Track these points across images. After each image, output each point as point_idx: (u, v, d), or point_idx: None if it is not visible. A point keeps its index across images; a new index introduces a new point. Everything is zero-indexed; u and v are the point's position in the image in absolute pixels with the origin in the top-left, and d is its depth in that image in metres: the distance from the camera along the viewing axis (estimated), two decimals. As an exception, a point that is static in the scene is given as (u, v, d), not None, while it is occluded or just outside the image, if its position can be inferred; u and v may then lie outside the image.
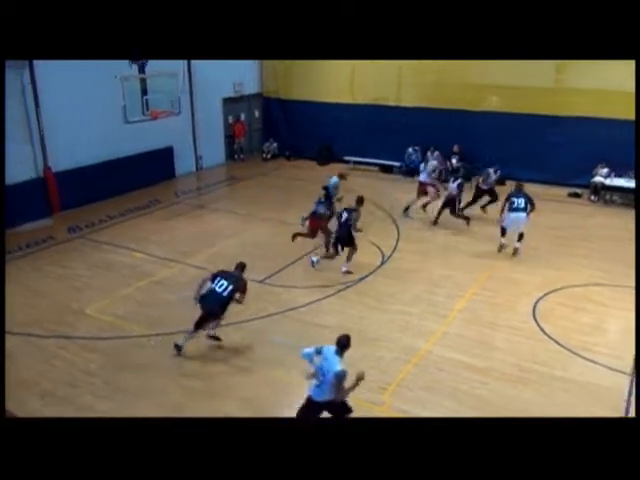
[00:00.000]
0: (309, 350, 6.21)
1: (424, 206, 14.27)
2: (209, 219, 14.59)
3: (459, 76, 16.82)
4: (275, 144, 21.00)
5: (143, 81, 16.27)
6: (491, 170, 14.06)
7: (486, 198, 14.11)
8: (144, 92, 16.26)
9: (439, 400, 7.31)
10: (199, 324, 8.13)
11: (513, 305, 9.82)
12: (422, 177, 14.48)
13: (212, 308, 8.06)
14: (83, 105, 14.56)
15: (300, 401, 6.21)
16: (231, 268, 8.42)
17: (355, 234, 10.81)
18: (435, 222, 13.58)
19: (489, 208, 14.08)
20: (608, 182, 15.51)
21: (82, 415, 6.75)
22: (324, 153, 19.84)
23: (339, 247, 10.98)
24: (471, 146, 17.17)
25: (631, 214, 13.54)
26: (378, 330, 9.00)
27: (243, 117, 20.80)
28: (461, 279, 10.76)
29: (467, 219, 13.38)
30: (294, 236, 11.74)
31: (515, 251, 11.82)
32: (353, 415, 6.22)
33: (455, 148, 17.46)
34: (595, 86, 15.43)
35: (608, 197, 15.55)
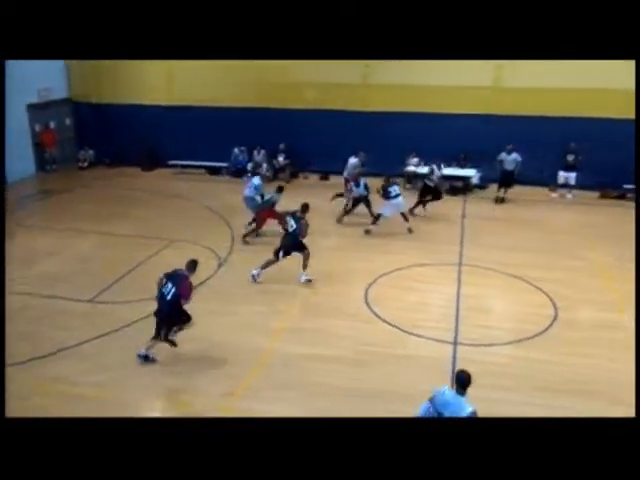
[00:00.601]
0: (425, 407, 5.59)
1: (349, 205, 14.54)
2: (24, 238, 13.23)
3: (278, 75, 17.16)
4: (91, 152, 19.68)
5: None
6: (434, 166, 14.56)
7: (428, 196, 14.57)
8: None
9: (289, 395, 7.43)
10: (157, 329, 7.84)
11: (348, 293, 10.31)
12: (345, 174, 15.06)
13: (161, 313, 7.77)
14: None
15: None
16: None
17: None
18: (341, 219, 13.93)
19: (429, 206, 14.59)
20: (419, 170, 16.90)
21: None
22: (148, 158, 19.05)
23: (280, 254, 10.50)
24: (296, 143, 17.67)
25: (447, 199, 14.88)
26: (221, 334, 8.89)
27: (52, 125, 19.17)
28: (298, 273, 11.01)
29: (376, 219, 13.46)
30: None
31: (410, 230, 13.12)
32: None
33: (281, 146, 17.85)
34: (403, 82, 16.68)
35: (419, 184, 16.93)
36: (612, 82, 15.12)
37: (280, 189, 12.84)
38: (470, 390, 7.58)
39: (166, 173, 18.61)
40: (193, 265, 7.96)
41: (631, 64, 13.17)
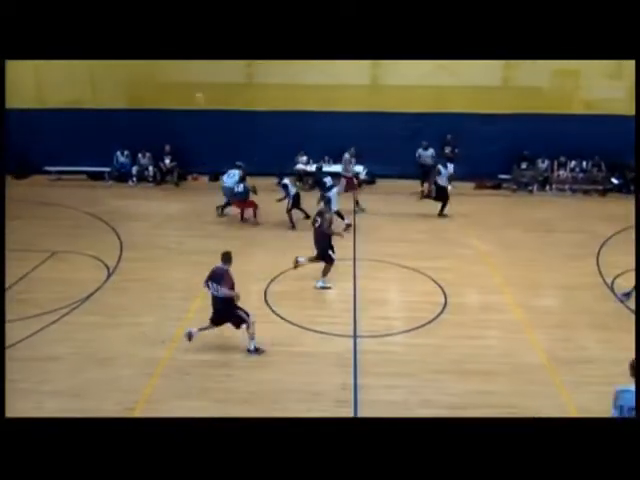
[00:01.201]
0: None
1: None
2: None
3: (161, 74, 16.58)
4: (-47, 161, 17.92)
5: None
6: (440, 166, 14.27)
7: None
8: None
9: (192, 405, 7.19)
10: (215, 323, 8.25)
11: (246, 294, 10.14)
12: (342, 171, 14.95)
13: (219, 312, 8.13)
14: None
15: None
16: None
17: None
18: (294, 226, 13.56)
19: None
20: (308, 168, 17.06)
21: None
22: (18, 165, 17.61)
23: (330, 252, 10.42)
24: (182, 145, 17.17)
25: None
26: (113, 348, 8.44)
27: None
28: (193, 279, 10.69)
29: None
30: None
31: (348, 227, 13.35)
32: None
33: (167, 148, 17.27)
34: (286, 81, 16.67)
35: (310, 182, 17.10)
36: (484, 80, 16.21)
37: None
38: (373, 379, 7.83)
39: (41, 180, 17.36)
40: (228, 256, 8.21)
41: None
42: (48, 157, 17.49)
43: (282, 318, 9.36)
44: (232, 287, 8.03)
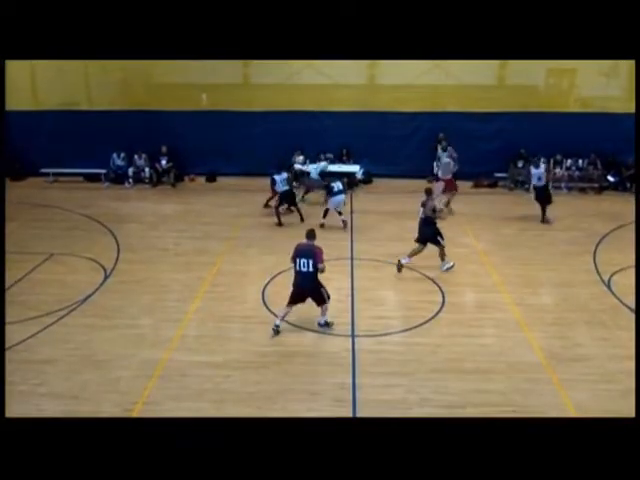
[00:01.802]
0: None
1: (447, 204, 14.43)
2: None
3: (157, 75, 16.66)
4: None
5: None
6: (531, 166, 14.16)
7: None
8: None
9: (191, 406, 7.18)
10: (293, 301, 8.66)
11: (244, 295, 10.19)
12: (440, 173, 14.68)
13: (308, 289, 8.54)
14: None
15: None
16: None
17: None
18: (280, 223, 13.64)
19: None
20: (305, 168, 17.03)
21: None
22: (15, 167, 17.58)
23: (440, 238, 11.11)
24: (179, 145, 17.15)
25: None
26: (110, 350, 8.43)
27: None
28: (191, 280, 10.73)
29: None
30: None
31: (345, 224, 13.42)
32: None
33: (163, 149, 17.24)
34: (283, 81, 16.70)
35: (307, 182, 17.09)
36: (479, 79, 16.26)
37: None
38: (371, 378, 7.85)
39: (39, 182, 17.34)
40: (312, 233, 8.79)
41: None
42: (45, 159, 17.47)
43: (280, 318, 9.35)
44: (322, 259, 8.48)
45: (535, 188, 13.90)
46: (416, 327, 9.11)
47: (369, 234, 13.19)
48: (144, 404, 7.24)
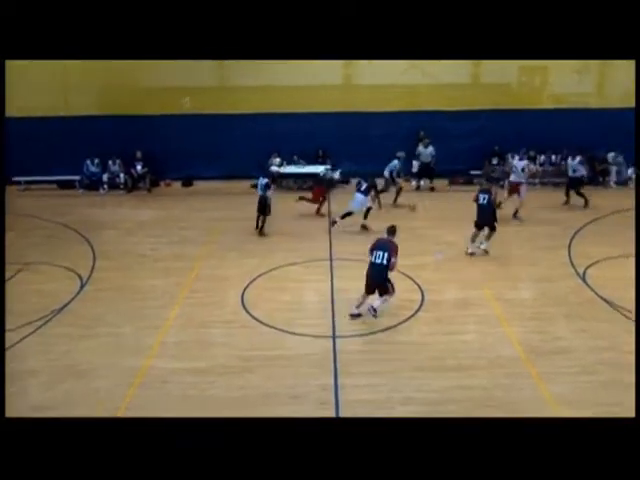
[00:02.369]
0: None
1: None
2: None
3: (129, 79, 16.32)
4: None
5: None
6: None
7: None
8: None
9: (172, 412, 7.04)
10: (366, 291, 9.17)
11: (223, 299, 10.12)
12: (513, 177, 14.33)
13: (376, 280, 8.99)
14: None
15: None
16: None
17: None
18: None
19: None
20: (282, 170, 17.01)
21: None
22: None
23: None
24: (154, 150, 16.92)
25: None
26: (90, 359, 8.31)
27: None
28: (170, 286, 10.62)
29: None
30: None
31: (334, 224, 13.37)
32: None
33: (138, 154, 17.03)
34: (258, 83, 16.58)
35: (284, 183, 17.06)
36: (454, 78, 16.41)
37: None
38: (354, 379, 7.85)
39: (11, 190, 16.94)
40: (394, 229, 9.39)
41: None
42: (16, 167, 17.05)
43: (260, 322, 9.32)
44: (396, 255, 8.99)
45: (570, 179, 14.77)
46: (397, 326, 9.15)
47: (348, 234, 13.17)
48: (125, 411, 7.13)
